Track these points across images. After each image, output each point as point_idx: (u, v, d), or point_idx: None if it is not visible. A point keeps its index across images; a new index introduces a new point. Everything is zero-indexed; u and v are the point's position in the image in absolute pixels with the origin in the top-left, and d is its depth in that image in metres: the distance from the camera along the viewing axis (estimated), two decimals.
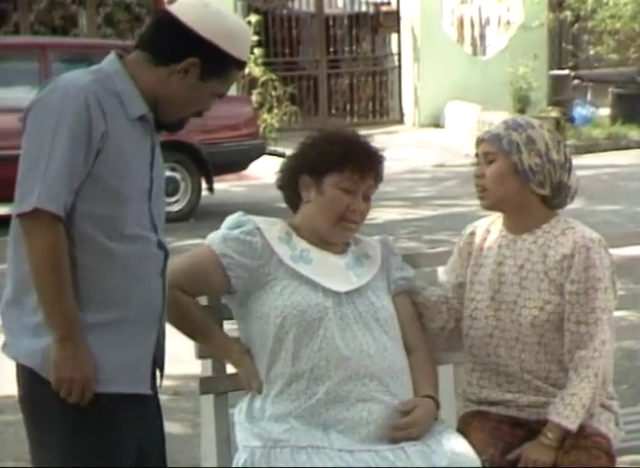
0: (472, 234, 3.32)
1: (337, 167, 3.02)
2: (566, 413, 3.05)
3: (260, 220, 3.09)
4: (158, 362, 2.86)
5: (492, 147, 3.17)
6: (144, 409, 2.83)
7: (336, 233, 3.07)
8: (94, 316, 2.69)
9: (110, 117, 2.68)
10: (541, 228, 3.21)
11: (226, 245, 3.01)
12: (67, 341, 2.64)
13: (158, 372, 2.90)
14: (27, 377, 2.74)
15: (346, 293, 3.03)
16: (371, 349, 2.97)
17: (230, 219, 3.09)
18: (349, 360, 2.94)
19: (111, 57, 2.80)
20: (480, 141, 3.23)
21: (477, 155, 3.24)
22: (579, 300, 3.11)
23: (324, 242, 3.08)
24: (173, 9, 2.78)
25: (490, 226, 3.30)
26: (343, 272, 3.07)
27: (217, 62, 2.76)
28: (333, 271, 3.05)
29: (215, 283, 3.04)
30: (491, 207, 3.23)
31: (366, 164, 3.05)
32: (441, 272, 3.40)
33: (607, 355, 3.12)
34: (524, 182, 3.16)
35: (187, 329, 3.06)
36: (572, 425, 3.06)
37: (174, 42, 2.76)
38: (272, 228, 3.07)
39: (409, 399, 3.01)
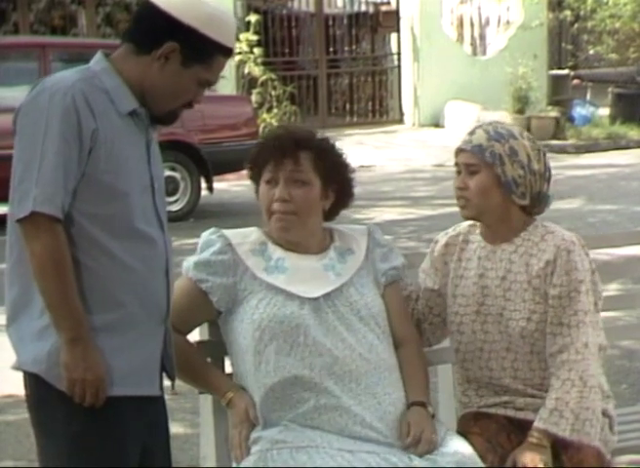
0: (447, 245, 3.27)
1: (260, 166, 3.06)
2: (553, 420, 3.01)
3: (233, 235, 3.06)
4: (166, 363, 2.85)
5: (474, 158, 3.12)
6: (151, 410, 2.83)
7: (275, 229, 3.05)
8: (98, 318, 2.69)
9: (99, 115, 2.68)
10: (520, 236, 3.18)
11: (200, 270, 3.01)
12: (77, 343, 2.63)
13: (166, 375, 2.89)
14: (33, 380, 2.74)
15: (324, 297, 3.00)
16: (354, 352, 2.94)
17: (203, 238, 3.08)
18: (333, 366, 2.91)
19: (98, 56, 2.80)
20: (460, 151, 3.16)
21: (457, 164, 3.18)
22: (561, 304, 3.09)
23: (293, 244, 3.05)
24: None
25: (467, 236, 3.26)
26: (321, 274, 3.03)
27: (197, 47, 2.74)
28: (309, 276, 3.02)
29: (200, 310, 3.04)
30: (472, 218, 3.20)
31: (275, 151, 3.03)
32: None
33: (591, 357, 3.07)
34: (506, 194, 3.13)
35: (182, 370, 2.99)
36: (562, 432, 3.01)
37: (152, 28, 2.75)
38: (245, 241, 3.05)
39: (400, 426, 2.94)
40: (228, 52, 2.80)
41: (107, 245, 2.69)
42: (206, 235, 3.08)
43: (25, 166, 2.63)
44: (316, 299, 2.98)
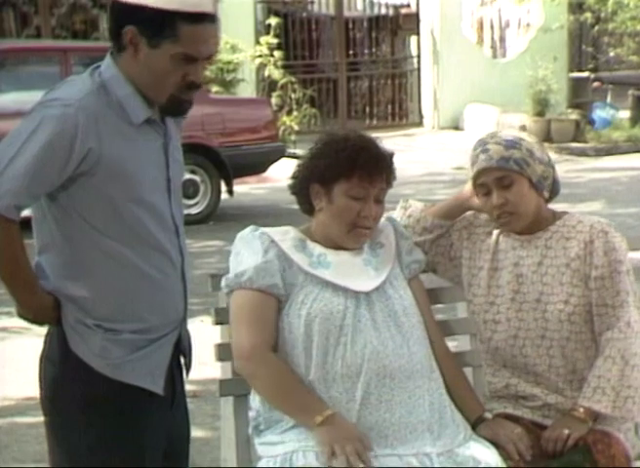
0: (489, 234, 3.30)
1: (345, 175, 2.98)
2: (596, 398, 3.09)
3: (273, 232, 3.05)
4: (185, 362, 2.90)
5: (503, 172, 3.16)
6: (170, 414, 2.85)
7: (349, 240, 3.05)
8: (116, 325, 2.72)
9: (106, 132, 2.65)
10: (556, 224, 3.26)
11: (262, 277, 2.96)
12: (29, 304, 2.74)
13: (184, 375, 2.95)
14: (49, 377, 2.78)
15: (371, 292, 3.01)
16: (387, 348, 2.95)
17: (242, 236, 3.05)
18: (369, 362, 2.92)
19: (108, 60, 2.75)
20: (483, 171, 3.18)
21: (483, 185, 3.19)
22: (604, 284, 3.16)
23: (337, 243, 3.06)
24: None
25: (502, 232, 3.29)
26: (363, 269, 3.05)
27: (154, 23, 2.63)
28: (353, 271, 3.03)
29: (276, 314, 2.99)
30: (517, 229, 3.23)
31: (374, 169, 3.01)
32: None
33: (634, 336, 3.14)
34: (539, 192, 3.21)
35: (275, 394, 2.95)
36: (604, 409, 3.09)
37: (114, 22, 2.71)
38: (286, 238, 3.04)
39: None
40: (191, 17, 2.65)
41: (123, 254, 2.71)
42: (246, 233, 3.05)
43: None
44: (362, 294, 3.00)
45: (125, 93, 2.70)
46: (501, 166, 3.16)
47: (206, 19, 2.67)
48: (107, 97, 2.69)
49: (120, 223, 2.70)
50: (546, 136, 14.48)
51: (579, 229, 3.22)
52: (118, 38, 2.69)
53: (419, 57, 17.32)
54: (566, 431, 3.06)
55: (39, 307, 2.73)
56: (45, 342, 2.83)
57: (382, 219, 3.16)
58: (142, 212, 2.72)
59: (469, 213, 3.38)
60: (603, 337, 3.15)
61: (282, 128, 13.94)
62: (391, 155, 3.09)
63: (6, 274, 2.70)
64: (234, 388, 3.15)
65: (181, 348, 2.89)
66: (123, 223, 2.70)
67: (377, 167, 3.02)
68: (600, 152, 14.51)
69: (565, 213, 3.30)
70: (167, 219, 2.79)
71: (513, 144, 3.18)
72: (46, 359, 2.81)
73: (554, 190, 3.29)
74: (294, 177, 3.12)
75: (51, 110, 2.64)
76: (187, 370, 2.96)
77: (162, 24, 2.64)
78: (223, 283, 3.02)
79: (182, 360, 2.94)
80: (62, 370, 2.74)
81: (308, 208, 3.10)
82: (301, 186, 3.08)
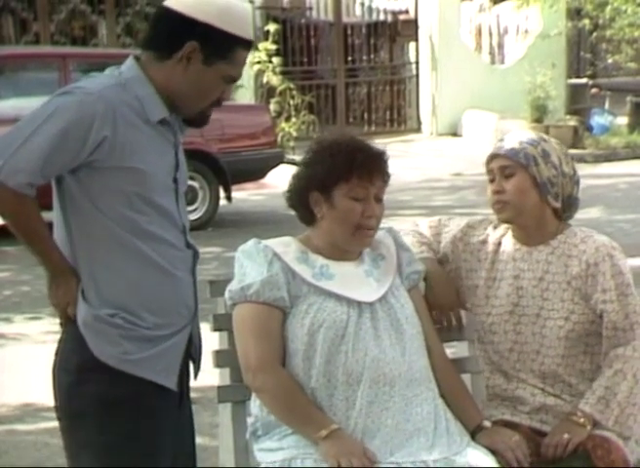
0: (484, 242, 3.31)
1: (344, 177, 2.98)
2: (599, 407, 3.08)
3: (274, 244, 3.04)
4: (193, 357, 2.93)
5: (509, 161, 3.18)
6: (177, 412, 2.88)
7: (355, 242, 3.05)
8: (135, 318, 2.76)
9: (123, 124, 2.70)
10: (557, 239, 3.24)
11: (267, 289, 2.96)
12: (54, 279, 2.78)
13: (191, 371, 2.98)
14: (65, 385, 2.80)
15: (373, 302, 3.01)
16: (387, 356, 2.96)
17: (245, 249, 3.04)
18: (369, 369, 2.93)
19: (130, 62, 2.82)
20: (493, 157, 3.23)
21: (489, 171, 3.23)
22: (614, 308, 3.15)
23: (340, 252, 3.06)
24: (166, 1, 2.79)
25: (500, 239, 3.30)
26: (364, 280, 3.05)
27: (216, 43, 2.74)
28: (356, 282, 3.04)
29: (281, 326, 2.99)
30: (509, 220, 3.24)
31: (372, 167, 3.01)
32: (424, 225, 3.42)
33: None
34: (542, 195, 3.19)
35: (284, 408, 2.95)
36: (605, 421, 3.08)
37: (169, 31, 2.76)
38: (288, 250, 3.03)
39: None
40: (248, 44, 2.81)
41: (132, 242, 2.75)
42: (248, 246, 3.04)
43: (12, 136, 2.68)
44: (365, 304, 3.00)
45: (145, 92, 2.76)
46: (509, 155, 3.18)
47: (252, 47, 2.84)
48: (127, 94, 2.75)
49: (129, 213, 2.74)
50: None
51: (581, 248, 3.19)
52: (169, 47, 2.75)
53: (417, 63, 17.35)
54: (566, 436, 3.06)
55: (64, 283, 2.76)
56: (57, 353, 2.85)
57: (383, 231, 3.16)
58: (151, 206, 2.78)
59: (462, 224, 3.37)
60: (613, 353, 3.13)
61: (280, 134, 13.96)
62: (385, 152, 3.08)
63: (30, 246, 2.74)
64: (232, 395, 3.15)
65: (192, 348, 2.93)
66: (131, 214, 2.74)
67: (374, 164, 3.02)
68: (598, 158, 14.54)
69: (567, 225, 3.28)
70: (174, 216, 2.85)
71: (531, 142, 3.20)
72: (59, 369, 2.83)
73: (570, 206, 3.26)
74: (290, 190, 3.11)
75: (71, 96, 2.70)
76: (196, 372, 2.98)
77: (224, 46, 2.75)
78: (227, 295, 3.02)
79: (192, 363, 2.97)
80: (77, 376, 2.77)
81: (309, 218, 3.09)
82: (300, 197, 3.07)
